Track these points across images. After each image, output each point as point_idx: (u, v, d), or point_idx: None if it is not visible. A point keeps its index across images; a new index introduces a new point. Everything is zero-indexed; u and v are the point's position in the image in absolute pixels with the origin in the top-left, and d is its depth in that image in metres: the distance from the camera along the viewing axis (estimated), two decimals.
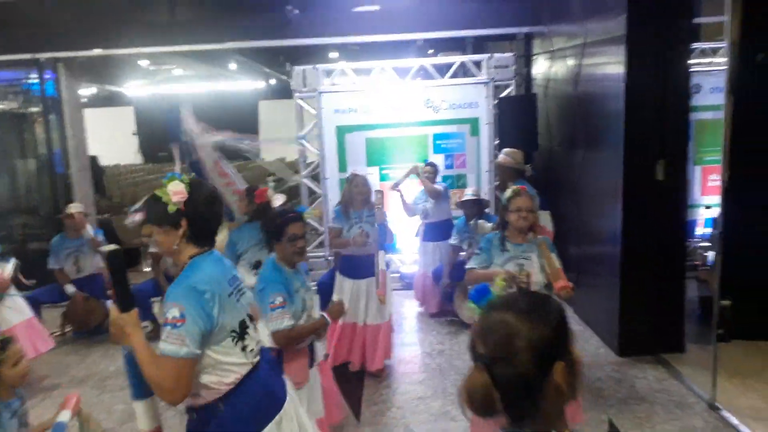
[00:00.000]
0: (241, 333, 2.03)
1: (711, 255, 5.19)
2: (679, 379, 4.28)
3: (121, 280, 1.93)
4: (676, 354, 4.62)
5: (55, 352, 5.35)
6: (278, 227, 2.98)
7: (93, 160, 9.72)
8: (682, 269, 4.71)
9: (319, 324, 3.08)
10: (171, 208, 1.94)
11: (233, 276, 2.10)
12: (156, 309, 5.71)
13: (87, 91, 19.62)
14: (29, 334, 4.78)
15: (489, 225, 4.91)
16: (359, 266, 4.54)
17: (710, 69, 6.43)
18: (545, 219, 4.92)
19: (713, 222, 5.37)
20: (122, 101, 21.95)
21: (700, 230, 6.32)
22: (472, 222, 5.39)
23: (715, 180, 6.37)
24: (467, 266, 3.27)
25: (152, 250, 5.76)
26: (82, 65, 8.31)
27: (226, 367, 1.99)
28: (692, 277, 5.52)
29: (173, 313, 1.84)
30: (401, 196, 5.87)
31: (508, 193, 3.22)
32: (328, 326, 3.21)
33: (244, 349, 2.04)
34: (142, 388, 1.98)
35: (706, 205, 5.89)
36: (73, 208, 5.84)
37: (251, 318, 2.15)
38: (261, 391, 2.12)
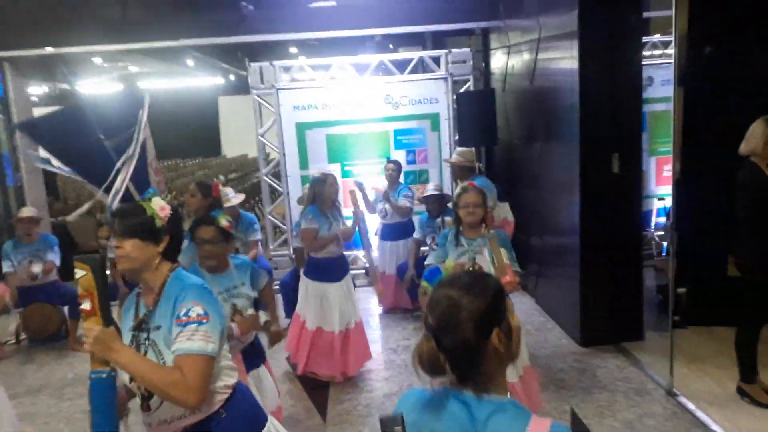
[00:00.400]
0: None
1: (666, 244, 5.32)
2: (638, 366, 4.38)
3: (104, 293, 1.87)
4: (636, 342, 4.74)
5: (10, 360, 5.19)
6: (190, 230, 3.02)
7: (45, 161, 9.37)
8: (639, 259, 4.83)
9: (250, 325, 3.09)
10: (159, 223, 1.95)
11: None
12: (114, 314, 5.57)
13: (38, 89, 19.03)
14: None
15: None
16: (331, 269, 4.47)
17: (662, 62, 6.58)
18: (505, 210, 4.98)
19: (666, 212, 5.51)
20: (75, 100, 21.37)
21: (656, 220, 6.48)
22: (439, 219, 5.40)
23: (669, 170, 6.53)
24: (426, 261, 3.41)
25: (111, 255, 5.59)
26: (31, 63, 8.03)
27: (228, 371, 2.01)
28: (650, 265, 5.66)
29: (197, 310, 1.83)
30: (364, 194, 5.84)
31: (457, 190, 3.40)
32: (271, 328, 3.36)
33: (227, 353, 2.09)
34: (107, 424, 1.84)
35: (659, 196, 6.04)
36: (25, 211, 5.65)
37: None
38: (249, 393, 2.16)
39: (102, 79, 18.70)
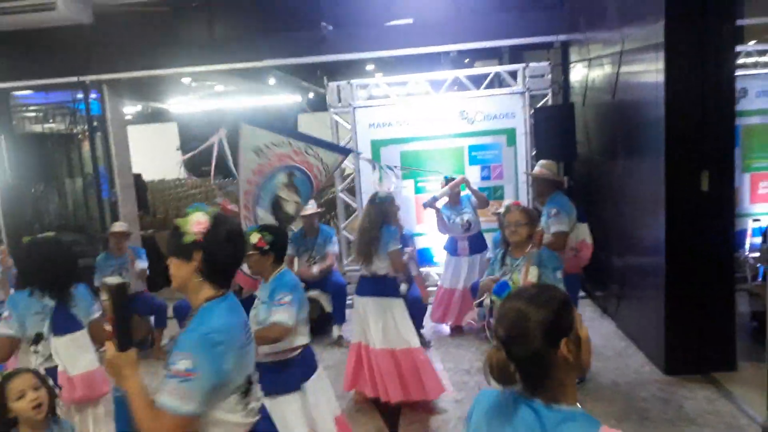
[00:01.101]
0: (246, 389, 1.87)
1: (763, 267, 4.96)
2: (730, 399, 4.08)
3: (123, 317, 1.82)
4: (727, 372, 4.42)
5: None
6: None
7: (137, 177, 9.98)
8: (731, 282, 4.52)
9: None
10: (186, 239, 1.82)
11: (246, 322, 1.96)
12: None
13: (132, 108, 20.27)
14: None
15: None
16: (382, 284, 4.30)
17: (757, 72, 6.17)
18: (584, 231, 4.78)
19: (763, 232, 5.13)
20: (166, 117, 22.60)
21: (750, 241, 6.04)
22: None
23: (766, 188, 6.09)
24: (481, 279, 3.52)
25: None
26: (127, 84, 8.57)
27: (228, 427, 1.83)
28: (743, 289, 5.28)
29: (184, 364, 1.68)
30: (438, 212, 5.75)
31: (503, 209, 3.45)
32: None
33: (246, 407, 1.87)
34: None
35: (754, 215, 5.61)
36: (117, 226, 5.99)
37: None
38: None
39: (190, 98, 19.69)
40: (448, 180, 5.75)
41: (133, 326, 5.81)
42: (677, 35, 4.27)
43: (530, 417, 1.29)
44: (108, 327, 1.83)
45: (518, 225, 3.30)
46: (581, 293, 6.48)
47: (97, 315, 3.17)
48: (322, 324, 5.84)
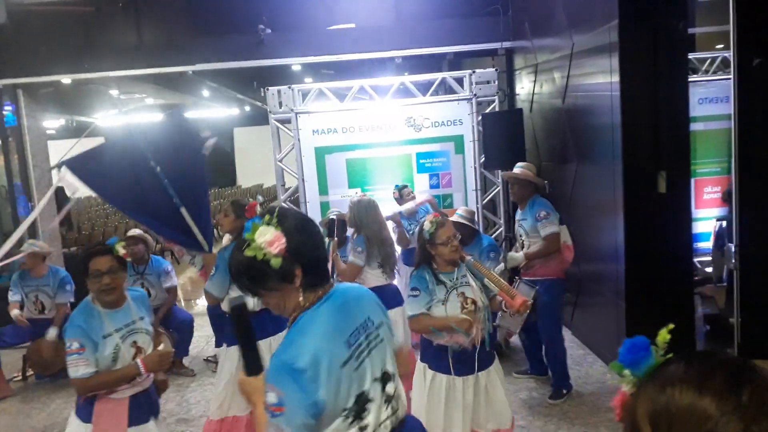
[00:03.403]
0: (358, 410, 1.53)
1: (715, 270, 4.96)
2: None
3: (248, 338, 1.55)
4: None
5: (14, 399, 4.91)
6: (82, 261, 2.67)
7: (60, 191, 9.25)
8: (690, 286, 4.47)
9: (127, 372, 2.63)
10: (275, 263, 1.50)
11: (361, 324, 1.60)
12: None
13: (55, 122, 19.14)
14: None
15: (520, 255, 4.35)
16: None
17: (698, 79, 6.27)
18: (565, 234, 4.59)
19: (717, 235, 5.15)
20: (93, 132, 21.48)
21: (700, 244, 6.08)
22: (501, 256, 4.75)
23: (711, 193, 6.17)
24: (410, 314, 2.90)
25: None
26: (48, 94, 7.94)
27: None
28: (696, 293, 5.27)
29: (271, 398, 1.42)
30: (398, 224, 5.43)
31: (428, 226, 2.90)
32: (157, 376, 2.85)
33: (362, 429, 1.54)
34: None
35: (719, 217, 5.63)
36: (26, 247, 5.31)
37: (387, 377, 1.64)
38: None
39: (118, 111, 18.79)
40: (399, 189, 5.49)
41: (57, 352, 5.34)
42: (631, 37, 4.20)
43: None
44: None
45: (455, 237, 2.88)
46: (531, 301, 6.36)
47: None
48: None
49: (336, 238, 3.90)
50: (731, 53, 3.64)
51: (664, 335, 0.94)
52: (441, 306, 2.85)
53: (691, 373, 0.82)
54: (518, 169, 4.60)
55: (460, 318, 2.80)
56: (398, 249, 5.68)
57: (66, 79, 7.30)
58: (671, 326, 0.96)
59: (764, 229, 3.63)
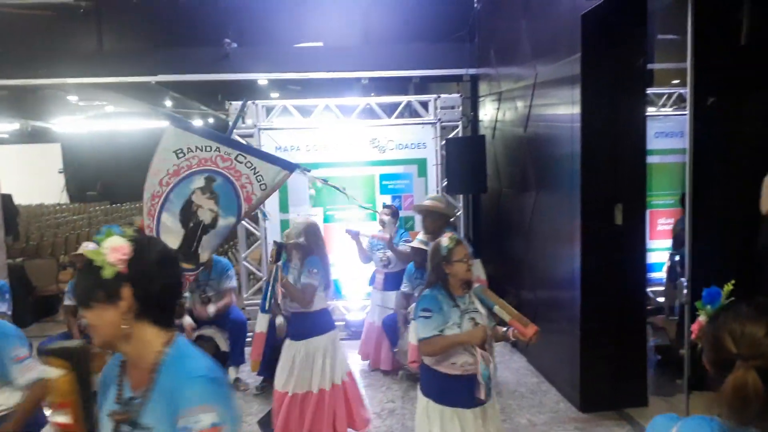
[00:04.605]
0: None
1: (667, 301, 5.05)
2: None
3: (88, 397, 1.40)
4: (639, 408, 4.37)
5: None
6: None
7: (6, 198, 8.90)
8: (643, 317, 4.53)
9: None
10: (106, 273, 1.36)
11: None
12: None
13: (8, 126, 18.49)
14: None
15: None
16: (310, 322, 3.98)
17: (655, 113, 6.45)
18: (478, 268, 4.57)
19: (670, 269, 5.26)
20: (49, 138, 20.83)
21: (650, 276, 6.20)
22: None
23: (665, 224, 6.32)
24: (422, 336, 2.77)
25: (68, 302, 5.08)
26: (1, 98, 7.65)
27: None
28: (648, 322, 5.35)
29: (208, 420, 1.31)
30: (358, 243, 5.45)
31: (447, 242, 2.85)
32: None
33: None
34: None
35: (672, 252, 5.74)
36: None
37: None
38: None
39: (77, 117, 18.27)
40: (384, 206, 5.51)
41: None
42: (593, 70, 4.27)
43: None
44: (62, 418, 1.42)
45: (470, 258, 2.81)
46: None
47: None
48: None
49: (280, 264, 3.81)
50: (687, 90, 3.72)
51: (728, 287, 1.40)
52: (457, 329, 2.71)
53: (752, 309, 1.29)
54: (428, 201, 4.61)
55: (472, 331, 2.70)
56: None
57: (21, 83, 7.05)
58: (733, 282, 1.40)
59: (715, 264, 3.70)
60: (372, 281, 5.66)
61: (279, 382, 3.96)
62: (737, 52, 4.06)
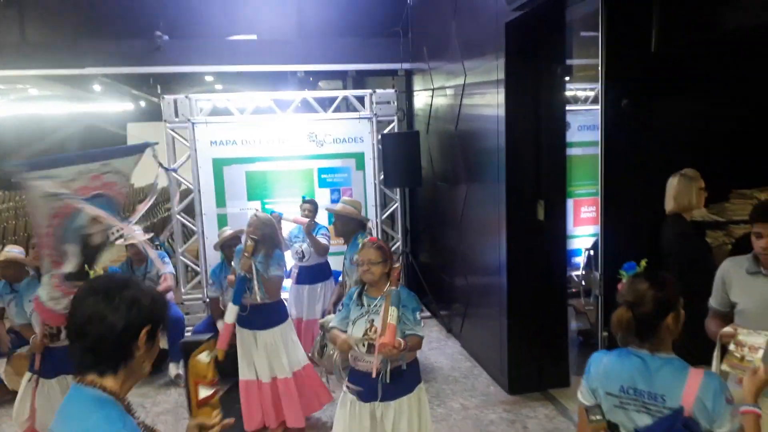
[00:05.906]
0: None
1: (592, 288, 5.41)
2: (566, 416, 4.34)
3: None
4: (562, 389, 4.72)
5: None
6: None
7: None
8: (564, 302, 4.86)
9: None
10: None
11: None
12: None
13: None
14: None
15: None
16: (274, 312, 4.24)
17: (578, 108, 6.81)
18: None
19: (586, 263, 5.65)
20: None
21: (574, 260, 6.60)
22: None
23: (587, 212, 6.72)
24: (330, 324, 3.09)
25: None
26: None
27: None
28: (570, 305, 5.71)
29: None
30: (280, 227, 5.52)
31: (359, 246, 3.12)
32: None
33: None
34: None
35: (587, 247, 6.11)
36: None
37: None
38: None
39: None
40: (305, 200, 5.53)
41: None
42: (515, 72, 4.52)
43: (639, 362, 1.92)
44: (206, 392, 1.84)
45: (372, 263, 2.96)
46: (426, 313, 6.63)
47: None
48: (155, 362, 5.28)
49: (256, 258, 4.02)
50: (600, 93, 4.00)
51: (643, 263, 2.04)
52: (350, 326, 2.95)
53: (645, 275, 1.99)
54: (340, 205, 4.63)
55: (340, 339, 2.95)
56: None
57: None
58: (646, 260, 2.05)
59: (626, 257, 4.04)
60: (288, 274, 5.71)
61: (242, 371, 4.24)
62: (648, 59, 4.37)
